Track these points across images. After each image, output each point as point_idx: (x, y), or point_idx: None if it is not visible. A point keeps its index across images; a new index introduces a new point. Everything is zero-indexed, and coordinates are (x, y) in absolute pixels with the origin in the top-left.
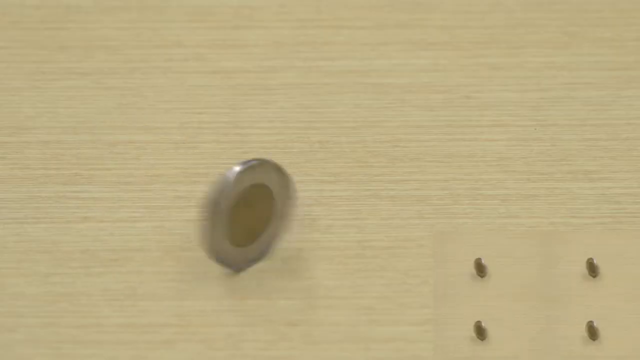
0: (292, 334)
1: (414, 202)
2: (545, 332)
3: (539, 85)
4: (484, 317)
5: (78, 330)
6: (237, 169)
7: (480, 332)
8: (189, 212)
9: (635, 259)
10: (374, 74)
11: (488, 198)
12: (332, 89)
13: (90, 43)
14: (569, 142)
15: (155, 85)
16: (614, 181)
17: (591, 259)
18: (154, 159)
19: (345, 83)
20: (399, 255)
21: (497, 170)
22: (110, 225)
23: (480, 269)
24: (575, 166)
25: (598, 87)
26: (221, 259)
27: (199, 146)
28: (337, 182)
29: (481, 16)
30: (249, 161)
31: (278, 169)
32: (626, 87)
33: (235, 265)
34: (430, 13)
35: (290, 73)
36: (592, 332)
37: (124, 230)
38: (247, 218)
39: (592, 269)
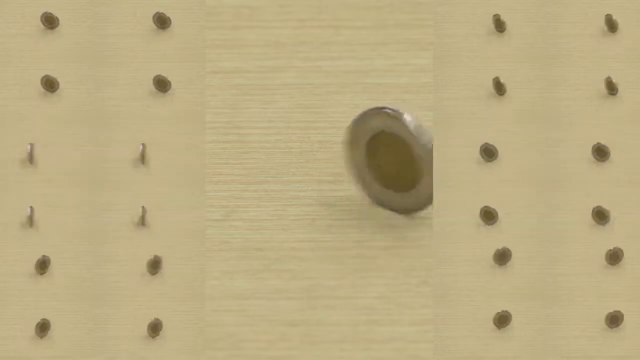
0: (292, 334)
1: None
2: (546, 332)
3: None
4: (484, 316)
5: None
6: (375, 109)
7: (503, 320)
8: (189, 212)
9: None
10: (374, 74)
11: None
12: (332, 89)
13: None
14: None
15: None
16: None
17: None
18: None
19: (345, 83)
20: (399, 255)
21: None
22: None
23: (489, 216)
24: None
25: None
26: (369, 194)
27: (200, 146)
28: (337, 182)
29: None
30: (386, 108)
31: (411, 124)
32: None
33: (389, 205)
34: (430, 13)
35: (290, 73)
36: (614, 320)
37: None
38: (391, 163)
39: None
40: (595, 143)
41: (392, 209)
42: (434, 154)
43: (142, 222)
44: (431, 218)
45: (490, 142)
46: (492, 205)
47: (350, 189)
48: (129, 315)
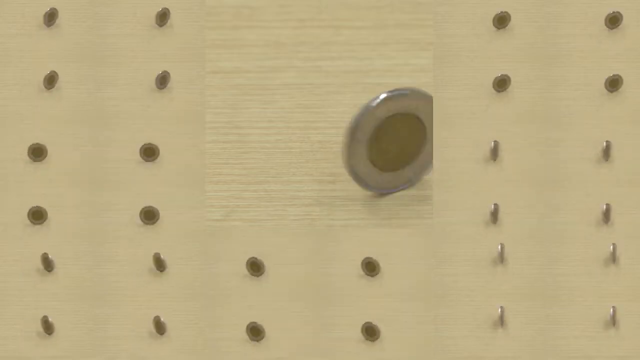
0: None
1: (414, 202)
2: (546, 332)
3: None
4: (484, 316)
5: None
6: (383, 96)
7: (502, 320)
8: (189, 212)
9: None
10: (374, 74)
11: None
12: (332, 89)
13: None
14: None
15: None
16: None
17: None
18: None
19: (345, 83)
20: (399, 255)
21: None
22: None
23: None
24: None
25: None
26: (360, 179)
27: (200, 146)
28: (337, 182)
29: None
30: (396, 90)
31: (428, 98)
32: None
33: (377, 188)
34: (430, 13)
35: (290, 73)
36: (614, 320)
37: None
38: (394, 145)
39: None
40: (595, 143)
41: (364, 185)
42: (435, 154)
43: (154, 220)
44: (431, 218)
45: (491, 142)
46: (492, 205)
47: (350, 189)
48: (129, 315)
